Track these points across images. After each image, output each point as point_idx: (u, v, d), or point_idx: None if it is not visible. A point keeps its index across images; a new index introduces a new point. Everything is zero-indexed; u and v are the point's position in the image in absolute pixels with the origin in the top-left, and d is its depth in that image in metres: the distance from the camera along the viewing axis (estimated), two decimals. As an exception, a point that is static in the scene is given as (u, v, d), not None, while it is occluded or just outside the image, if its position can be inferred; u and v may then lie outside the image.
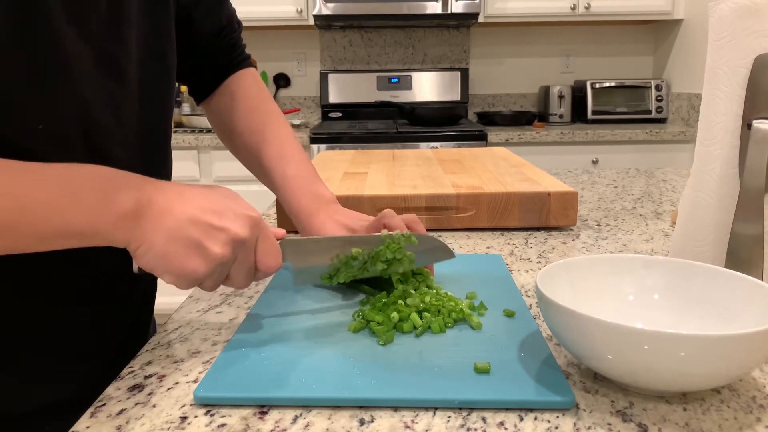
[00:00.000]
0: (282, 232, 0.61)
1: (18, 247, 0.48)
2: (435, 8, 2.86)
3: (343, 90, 3.26)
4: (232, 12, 0.85)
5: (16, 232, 0.47)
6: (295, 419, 0.45)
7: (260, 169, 0.82)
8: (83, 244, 0.50)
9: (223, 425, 0.45)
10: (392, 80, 3.24)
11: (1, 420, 0.59)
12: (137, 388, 0.50)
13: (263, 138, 0.81)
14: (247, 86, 0.85)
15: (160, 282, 0.80)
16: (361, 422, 0.45)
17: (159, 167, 0.72)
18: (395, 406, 0.46)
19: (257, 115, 0.83)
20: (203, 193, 0.54)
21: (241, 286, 0.56)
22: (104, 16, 0.58)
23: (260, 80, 0.87)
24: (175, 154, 0.85)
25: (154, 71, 0.67)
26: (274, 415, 0.46)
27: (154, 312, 0.80)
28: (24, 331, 0.59)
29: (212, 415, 0.46)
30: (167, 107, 0.72)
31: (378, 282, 0.70)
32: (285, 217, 0.96)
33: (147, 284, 0.75)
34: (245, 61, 0.87)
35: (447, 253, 0.69)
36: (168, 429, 0.44)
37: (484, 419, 0.45)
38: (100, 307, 0.65)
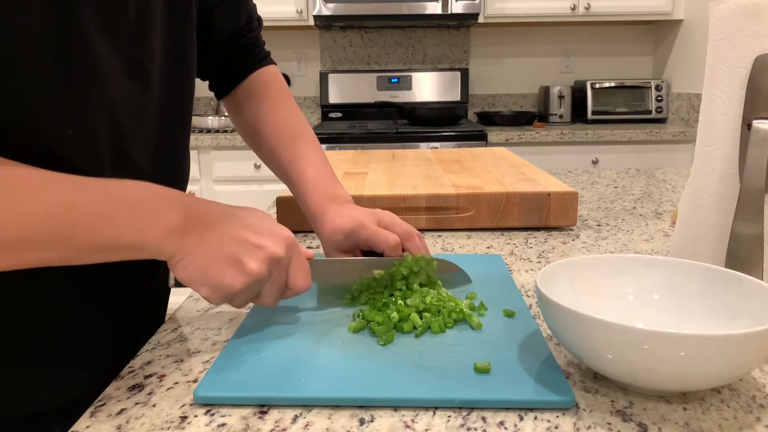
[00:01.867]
0: (311, 252, 0.62)
1: (69, 258, 0.50)
2: (435, 8, 2.86)
3: (343, 90, 3.26)
4: (252, 10, 0.85)
5: (69, 244, 0.48)
6: (295, 419, 0.45)
7: (278, 169, 0.82)
8: (130, 257, 0.51)
9: (223, 425, 0.45)
10: (392, 80, 3.24)
11: (9, 422, 0.59)
12: (137, 387, 0.50)
13: (284, 139, 0.81)
14: (268, 85, 0.85)
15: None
16: (361, 422, 0.45)
17: (177, 168, 0.73)
18: (395, 406, 0.46)
19: (277, 114, 0.83)
20: (244, 213, 0.57)
21: (271, 304, 0.58)
22: (133, 22, 0.59)
23: (281, 79, 0.87)
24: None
25: (176, 73, 0.68)
26: (274, 415, 0.46)
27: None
28: (39, 332, 0.59)
29: (212, 415, 0.46)
30: (187, 108, 0.73)
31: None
32: (285, 217, 0.96)
33: (159, 289, 0.75)
34: (265, 59, 0.87)
35: (465, 279, 0.71)
36: (168, 429, 0.44)
37: (484, 419, 0.45)
38: (113, 310, 0.65)
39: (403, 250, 0.68)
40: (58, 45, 0.51)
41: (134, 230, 0.50)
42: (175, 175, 0.72)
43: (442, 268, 0.69)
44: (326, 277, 0.65)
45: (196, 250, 0.52)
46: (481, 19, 2.98)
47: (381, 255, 0.68)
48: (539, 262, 0.81)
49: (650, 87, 3.04)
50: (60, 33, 0.51)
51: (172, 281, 0.57)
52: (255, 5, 0.86)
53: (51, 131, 0.53)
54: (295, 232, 0.96)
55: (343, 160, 1.34)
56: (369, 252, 0.70)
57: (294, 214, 0.94)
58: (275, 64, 0.88)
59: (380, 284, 0.65)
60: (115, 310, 0.66)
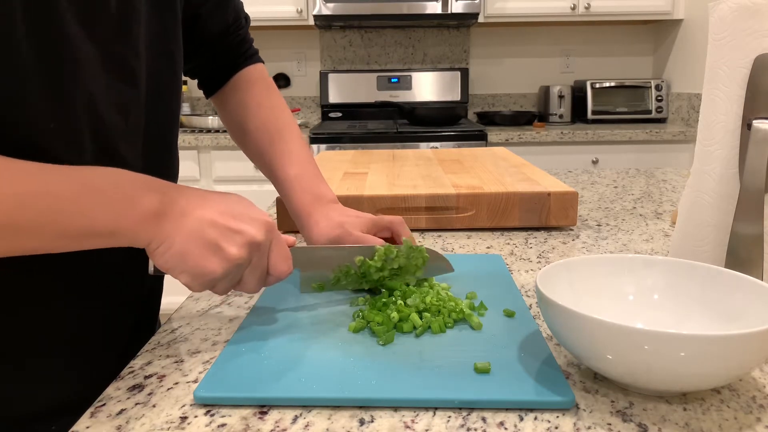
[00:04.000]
0: (292, 239, 0.62)
1: (43, 247, 0.49)
2: (435, 8, 2.86)
3: (343, 90, 3.26)
4: (240, 8, 0.85)
5: (43, 232, 0.48)
6: (295, 419, 0.45)
7: (264, 167, 0.82)
8: (106, 244, 0.51)
9: (223, 425, 0.45)
10: (392, 80, 3.24)
11: (7, 421, 0.59)
12: (137, 388, 0.50)
13: (269, 136, 0.81)
14: (255, 82, 0.85)
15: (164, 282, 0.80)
16: (361, 422, 0.45)
17: (166, 166, 0.72)
18: (395, 406, 0.46)
19: (264, 112, 0.83)
20: (221, 198, 0.56)
21: (252, 291, 0.57)
22: (115, 18, 0.59)
23: (268, 77, 0.87)
24: (175, 154, 0.84)
25: (162, 70, 0.68)
26: (274, 415, 0.46)
27: (155, 312, 0.80)
28: (32, 331, 0.59)
29: (212, 415, 0.46)
30: (174, 106, 0.73)
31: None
32: (285, 217, 0.96)
33: (153, 284, 0.75)
34: (253, 57, 0.87)
35: (446, 267, 0.71)
36: (168, 429, 0.44)
37: (484, 419, 0.45)
38: (108, 306, 0.66)
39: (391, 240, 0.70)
40: (36, 38, 0.51)
41: (108, 217, 0.49)
42: (164, 172, 0.72)
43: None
44: (308, 264, 0.65)
45: (174, 236, 0.51)
46: (481, 19, 2.98)
47: None
48: (539, 262, 0.81)
49: (650, 87, 3.04)
50: (38, 27, 0.51)
51: (151, 268, 0.55)
52: (242, 3, 0.86)
53: (33, 124, 0.52)
54: (296, 232, 0.96)
55: (343, 160, 1.34)
56: None
57: (294, 214, 0.94)
58: (263, 62, 0.89)
59: (357, 274, 0.66)
60: (110, 308, 0.66)
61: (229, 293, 0.71)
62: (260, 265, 0.56)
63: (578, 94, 3.14)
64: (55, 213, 0.48)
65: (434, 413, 0.46)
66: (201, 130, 2.77)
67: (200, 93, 3.06)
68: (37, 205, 0.47)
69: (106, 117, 0.59)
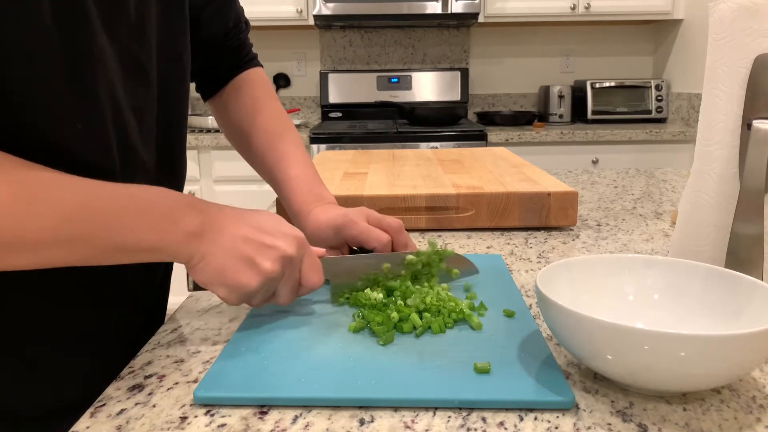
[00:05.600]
0: (322, 251, 0.64)
1: (90, 259, 0.51)
2: (435, 8, 2.86)
3: (343, 90, 3.25)
4: (240, 12, 0.86)
5: (91, 244, 0.50)
6: (295, 419, 0.45)
7: (263, 168, 0.83)
8: (148, 259, 0.53)
9: (223, 425, 0.45)
10: (392, 80, 3.24)
11: (22, 420, 0.59)
12: (137, 388, 0.50)
13: (269, 140, 0.82)
14: (254, 86, 0.86)
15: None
16: (361, 422, 0.45)
17: (175, 167, 0.73)
18: (395, 406, 0.46)
19: (262, 115, 0.83)
20: (254, 215, 0.58)
21: (286, 303, 0.59)
22: (133, 18, 0.60)
23: (267, 80, 0.88)
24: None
25: (172, 72, 0.68)
26: (274, 415, 0.46)
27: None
28: (48, 331, 0.59)
29: (212, 415, 0.46)
30: (183, 108, 0.73)
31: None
32: (284, 218, 0.96)
33: (160, 289, 0.76)
34: (252, 61, 0.88)
35: (472, 269, 0.72)
36: (168, 429, 0.44)
37: (484, 419, 0.45)
38: (120, 309, 0.66)
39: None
40: (62, 37, 0.51)
41: (154, 233, 0.52)
42: (174, 174, 0.72)
43: (450, 261, 0.70)
44: (338, 274, 0.66)
45: (212, 252, 0.54)
46: (481, 19, 2.98)
47: (370, 252, 0.69)
48: (539, 262, 0.81)
49: (650, 87, 3.04)
50: (64, 26, 0.51)
51: (190, 285, 0.59)
52: (242, 8, 0.87)
53: (60, 124, 0.53)
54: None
55: (343, 160, 1.34)
56: (357, 250, 0.70)
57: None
58: (262, 66, 0.89)
59: (384, 281, 0.66)
60: (121, 309, 0.66)
61: None
62: (293, 278, 0.58)
63: (578, 94, 3.14)
64: (103, 228, 0.49)
65: (434, 413, 0.46)
66: (201, 130, 2.77)
67: (200, 93, 3.06)
68: (86, 220, 0.49)
69: (126, 119, 0.60)
